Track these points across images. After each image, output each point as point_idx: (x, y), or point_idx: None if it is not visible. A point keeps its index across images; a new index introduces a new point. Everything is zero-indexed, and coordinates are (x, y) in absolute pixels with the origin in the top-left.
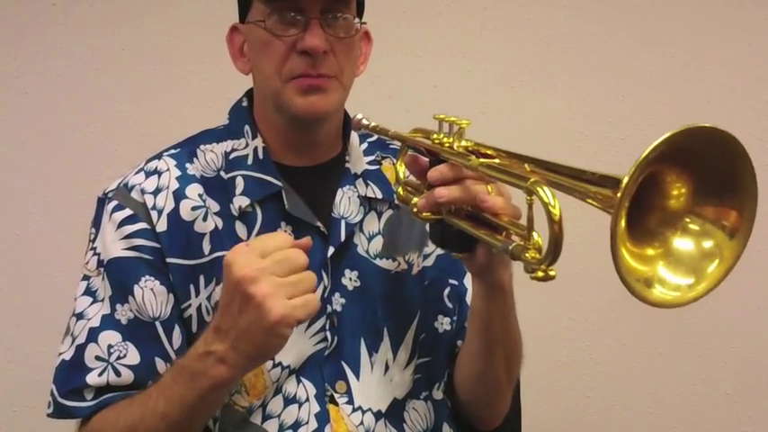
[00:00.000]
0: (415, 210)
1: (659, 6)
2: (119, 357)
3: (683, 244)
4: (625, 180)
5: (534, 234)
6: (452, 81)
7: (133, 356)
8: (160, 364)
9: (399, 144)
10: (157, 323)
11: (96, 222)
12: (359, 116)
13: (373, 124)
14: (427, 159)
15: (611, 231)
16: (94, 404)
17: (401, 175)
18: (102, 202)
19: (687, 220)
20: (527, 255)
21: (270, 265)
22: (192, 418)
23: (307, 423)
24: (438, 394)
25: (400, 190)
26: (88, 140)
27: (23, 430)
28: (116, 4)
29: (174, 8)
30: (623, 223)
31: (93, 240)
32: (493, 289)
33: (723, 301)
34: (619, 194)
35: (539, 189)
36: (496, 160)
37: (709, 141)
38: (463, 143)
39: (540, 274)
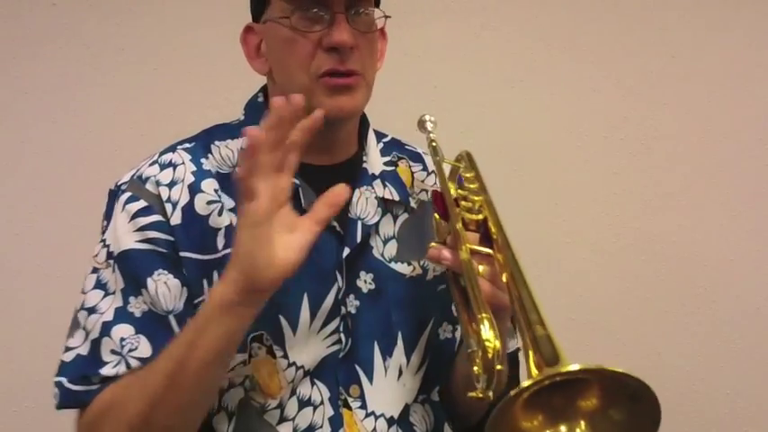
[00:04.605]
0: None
1: (659, 6)
2: (130, 350)
3: None
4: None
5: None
6: (452, 81)
7: (145, 349)
8: None
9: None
10: (171, 316)
11: (108, 214)
12: (427, 116)
13: (434, 136)
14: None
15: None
16: (98, 387)
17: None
18: (114, 195)
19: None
20: (474, 367)
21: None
22: (202, 375)
23: (321, 427)
24: (436, 396)
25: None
26: (88, 140)
27: (23, 430)
28: (116, 4)
29: (174, 8)
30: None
31: (104, 233)
32: None
33: (723, 300)
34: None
35: (483, 324)
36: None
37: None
38: (480, 216)
39: (478, 394)
